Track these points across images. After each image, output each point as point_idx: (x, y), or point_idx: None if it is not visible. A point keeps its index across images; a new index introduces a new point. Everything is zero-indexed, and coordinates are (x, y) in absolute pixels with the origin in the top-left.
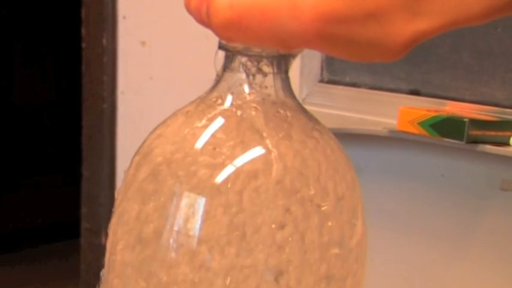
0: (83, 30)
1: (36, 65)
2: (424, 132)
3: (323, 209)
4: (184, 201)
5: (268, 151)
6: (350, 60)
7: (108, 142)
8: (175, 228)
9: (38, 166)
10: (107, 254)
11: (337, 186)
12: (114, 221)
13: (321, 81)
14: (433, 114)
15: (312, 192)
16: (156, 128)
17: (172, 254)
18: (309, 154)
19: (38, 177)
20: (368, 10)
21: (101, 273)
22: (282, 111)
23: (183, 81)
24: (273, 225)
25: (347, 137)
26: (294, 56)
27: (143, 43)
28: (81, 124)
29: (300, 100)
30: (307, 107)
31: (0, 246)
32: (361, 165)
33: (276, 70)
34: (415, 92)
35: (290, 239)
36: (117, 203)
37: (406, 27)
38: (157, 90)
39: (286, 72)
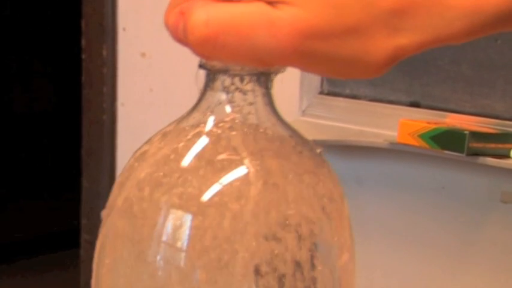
0: (83, 42)
1: (36, 76)
2: (424, 144)
3: (303, 228)
4: (165, 220)
5: (248, 171)
6: (329, 77)
7: (108, 153)
8: (160, 244)
9: (38, 177)
10: (94, 267)
11: (321, 204)
12: (100, 238)
13: (321, 92)
14: (433, 126)
15: (292, 212)
16: (138, 148)
17: (154, 271)
18: (291, 172)
19: (37, 188)
20: (347, 26)
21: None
22: (263, 130)
23: (183, 93)
24: (252, 245)
25: (347, 149)
26: (276, 73)
27: (143, 54)
28: (81, 135)
29: (300, 112)
30: (307, 119)
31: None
32: (361, 177)
33: (257, 88)
34: (415, 104)
35: (269, 258)
36: (103, 222)
37: (387, 43)
38: (157, 101)
39: (268, 88)
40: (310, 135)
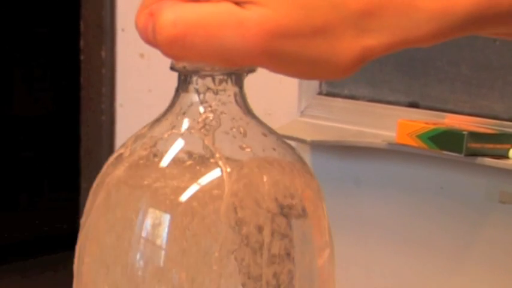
0: (82, 43)
1: (35, 77)
2: (422, 145)
3: (280, 224)
4: (143, 220)
5: (222, 170)
6: (298, 78)
7: (107, 154)
8: (139, 243)
9: (37, 178)
10: (75, 266)
11: (297, 201)
12: (81, 236)
13: (320, 93)
14: (431, 127)
15: (267, 208)
16: (116, 150)
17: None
18: (266, 169)
19: (36, 189)
20: (316, 26)
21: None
22: (235, 129)
23: None
24: (226, 244)
25: (346, 150)
26: (248, 72)
27: (142, 55)
28: (80, 136)
29: (299, 113)
30: (306, 120)
31: None
32: (359, 177)
33: (229, 87)
34: (413, 105)
35: (245, 258)
36: (82, 220)
37: (355, 44)
38: (155, 102)
39: (241, 87)
40: (308, 135)
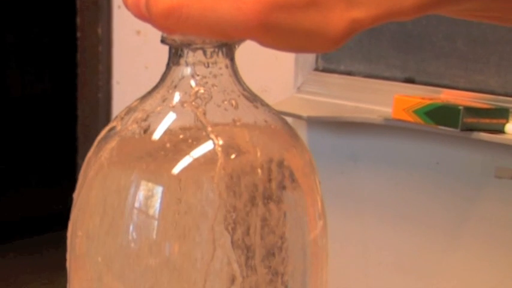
0: (78, 20)
1: (31, 55)
2: (419, 120)
3: (273, 197)
4: (136, 192)
5: (213, 143)
6: (289, 51)
7: None
8: (131, 215)
9: (33, 157)
10: (68, 240)
11: (289, 173)
12: (74, 210)
13: (316, 69)
14: (427, 102)
15: (260, 181)
16: (108, 124)
17: (125, 240)
18: (258, 141)
19: (33, 168)
20: None
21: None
22: (227, 102)
23: None
24: (223, 216)
25: (342, 125)
26: (238, 44)
27: (138, 32)
28: (77, 113)
29: (295, 89)
30: (303, 96)
31: None
32: (356, 153)
33: (220, 60)
34: (410, 80)
35: (238, 229)
36: (75, 194)
37: (345, 16)
38: (152, 79)
39: (232, 60)
40: (305, 111)
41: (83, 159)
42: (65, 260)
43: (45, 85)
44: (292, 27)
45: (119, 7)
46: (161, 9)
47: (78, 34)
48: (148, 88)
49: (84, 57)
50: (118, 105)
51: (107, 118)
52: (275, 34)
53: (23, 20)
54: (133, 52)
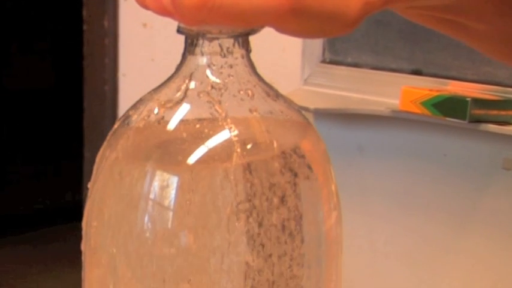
0: (84, 12)
1: (36, 48)
2: (426, 111)
3: (288, 188)
4: (151, 183)
5: (229, 133)
6: (307, 36)
7: (110, 124)
8: (147, 205)
9: (40, 149)
10: (84, 230)
11: (305, 164)
12: (89, 200)
13: (323, 61)
14: (435, 93)
15: (276, 171)
16: (122, 116)
17: (140, 226)
18: (274, 131)
19: (40, 161)
20: None
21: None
22: (243, 91)
23: None
24: (238, 205)
25: (349, 118)
26: (254, 33)
27: (144, 25)
28: (83, 106)
29: (302, 81)
30: (309, 88)
31: (2, 229)
32: (363, 145)
33: (236, 50)
34: (417, 72)
35: (254, 219)
36: (90, 184)
37: None
38: (158, 71)
39: (247, 50)
40: (312, 103)
41: (89, 152)
42: (75, 251)
43: (52, 78)
44: (319, 10)
45: (125, 0)
46: (195, 0)
47: (85, 27)
48: (155, 80)
49: (91, 50)
50: (124, 97)
51: (113, 111)
52: (303, 18)
53: (29, 13)
54: (140, 45)
